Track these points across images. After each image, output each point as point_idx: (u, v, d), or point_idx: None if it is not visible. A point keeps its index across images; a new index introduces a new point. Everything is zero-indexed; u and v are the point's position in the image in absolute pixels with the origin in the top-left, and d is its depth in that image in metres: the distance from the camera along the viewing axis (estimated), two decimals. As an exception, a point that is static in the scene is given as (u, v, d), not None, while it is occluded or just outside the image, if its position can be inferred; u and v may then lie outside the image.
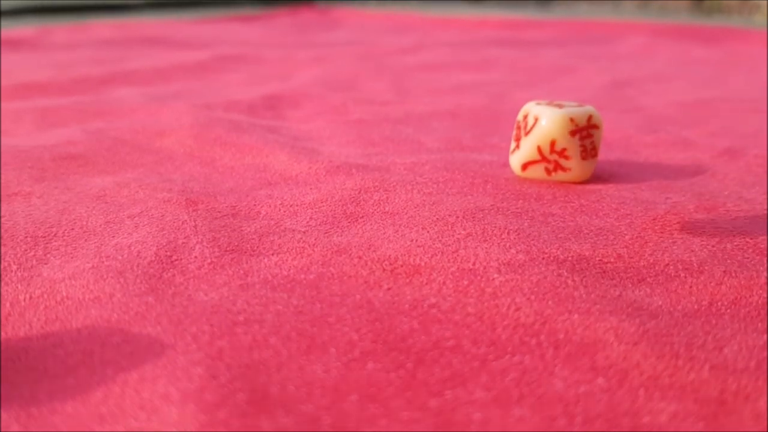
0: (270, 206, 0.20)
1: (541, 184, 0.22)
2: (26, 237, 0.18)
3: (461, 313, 0.14)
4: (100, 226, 0.19)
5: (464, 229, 0.18)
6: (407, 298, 0.15)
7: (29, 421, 0.11)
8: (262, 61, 0.53)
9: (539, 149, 0.22)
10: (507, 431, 0.11)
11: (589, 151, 0.23)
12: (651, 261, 0.17)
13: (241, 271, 0.16)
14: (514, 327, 0.14)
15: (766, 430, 0.11)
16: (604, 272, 0.16)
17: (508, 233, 0.18)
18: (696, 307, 0.15)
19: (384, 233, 0.18)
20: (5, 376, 0.12)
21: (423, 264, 0.16)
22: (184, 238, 0.18)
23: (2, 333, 0.14)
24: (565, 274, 0.16)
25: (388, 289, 0.15)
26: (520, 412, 0.11)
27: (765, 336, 0.13)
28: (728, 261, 0.17)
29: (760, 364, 0.12)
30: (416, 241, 0.18)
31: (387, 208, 0.20)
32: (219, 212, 0.20)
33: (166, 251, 0.17)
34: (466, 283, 0.16)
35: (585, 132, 0.22)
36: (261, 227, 0.19)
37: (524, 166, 0.23)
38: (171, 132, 0.29)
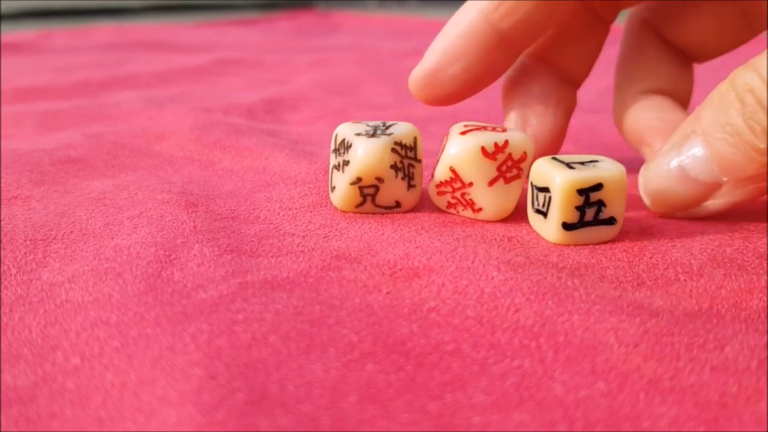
0: (269, 209, 0.20)
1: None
2: (26, 240, 0.18)
3: (461, 316, 0.14)
4: (99, 228, 0.19)
5: (463, 231, 0.18)
6: (406, 302, 0.15)
7: (28, 425, 0.11)
8: (262, 64, 0.53)
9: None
10: (507, 434, 0.11)
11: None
12: (650, 265, 0.17)
13: (241, 270, 0.16)
14: (513, 330, 0.14)
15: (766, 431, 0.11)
16: (603, 277, 0.16)
17: (508, 240, 0.18)
18: (696, 308, 0.15)
19: (382, 233, 0.18)
20: (5, 379, 0.12)
21: (422, 266, 0.16)
22: (183, 237, 0.18)
23: (2, 337, 0.14)
24: (564, 277, 0.16)
25: (388, 293, 0.15)
26: (520, 417, 0.11)
27: (765, 337, 0.13)
28: (728, 264, 0.17)
29: (761, 363, 0.12)
30: (415, 241, 0.17)
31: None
32: (218, 215, 0.20)
33: (164, 250, 0.17)
34: (465, 283, 0.16)
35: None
36: (260, 230, 0.19)
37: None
38: (170, 135, 0.29)
